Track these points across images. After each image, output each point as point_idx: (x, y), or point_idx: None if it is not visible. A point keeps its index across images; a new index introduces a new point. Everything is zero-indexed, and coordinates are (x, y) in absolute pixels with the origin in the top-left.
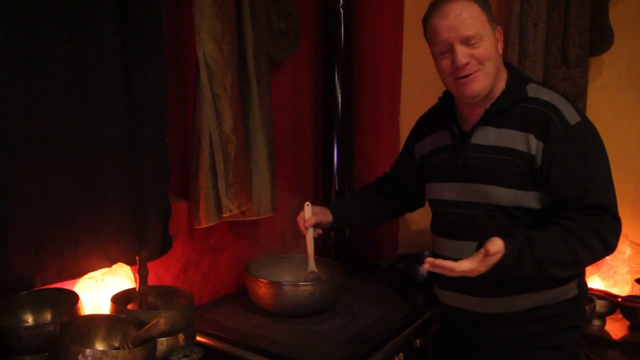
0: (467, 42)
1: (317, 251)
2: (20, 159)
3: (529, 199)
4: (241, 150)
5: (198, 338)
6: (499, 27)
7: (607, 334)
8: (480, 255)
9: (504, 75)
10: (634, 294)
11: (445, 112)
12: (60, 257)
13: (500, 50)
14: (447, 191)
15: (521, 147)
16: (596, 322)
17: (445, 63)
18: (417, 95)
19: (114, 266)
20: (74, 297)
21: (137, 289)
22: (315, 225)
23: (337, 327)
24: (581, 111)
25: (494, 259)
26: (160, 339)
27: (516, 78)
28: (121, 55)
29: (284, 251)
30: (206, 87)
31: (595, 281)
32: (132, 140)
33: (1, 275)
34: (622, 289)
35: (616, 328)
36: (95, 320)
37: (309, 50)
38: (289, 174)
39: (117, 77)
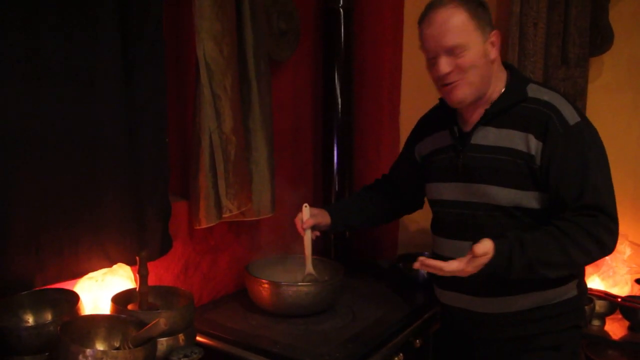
0: (450, 51)
1: (317, 251)
2: (20, 159)
3: (529, 199)
4: (241, 151)
5: (198, 338)
6: (494, 30)
7: (606, 334)
8: (468, 256)
9: (502, 76)
10: (633, 294)
11: (445, 112)
12: (60, 257)
13: (496, 54)
14: (448, 191)
15: (521, 147)
16: (596, 322)
17: (433, 70)
18: (417, 95)
19: (114, 266)
20: (74, 297)
21: (137, 289)
22: (313, 228)
23: (337, 327)
24: (581, 111)
25: (483, 260)
26: (161, 339)
27: (516, 78)
28: (121, 55)
29: (284, 251)
30: (206, 87)
31: (594, 281)
32: (132, 140)
33: (1, 275)
34: (621, 289)
35: (616, 328)
36: (95, 320)
37: (309, 50)
38: (289, 174)
39: (117, 77)
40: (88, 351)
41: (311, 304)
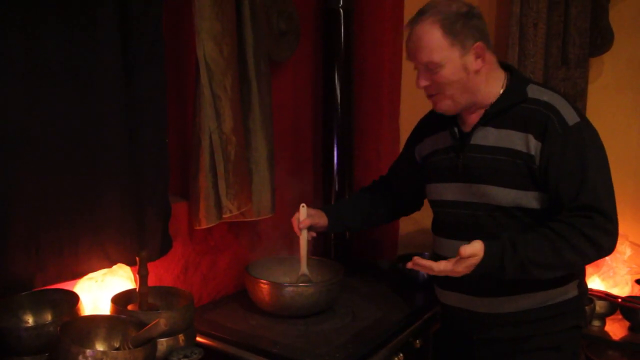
0: (426, 67)
1: (318, 252)
2: (20, 159)
3: (529, 199)
4: (241, 151)
5: (198, 338)
6: (477, 43)
7: (607, 334)
8: (456, 257)
9: (499, 78)
10: (633, 294)
11: None
12: (60, 257)
13: (480, 65)
14: (448, 192)
15: (520, 147)
16: (596, 323)
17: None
18: (417, 96)
19: (114, 267)
20: (74, 298)
21: (137, 290)
22: (310, 228)
23: (336, 327)
24: (581, 112)
25: (473, 261)
26: (161, 339)
27: (516, 79)
28: (121, 55)
29: (284, 252)
30: (206, 87)
31: (595, 282)
32: (132, 140)
33: (1, 275)
34: (622, 290)
35: (616, 329)
36: (95, 320)
37: (309, 50)
38: (289, 175)
39: (117, 77)
40: (88, 352)
41: (311, 304)
